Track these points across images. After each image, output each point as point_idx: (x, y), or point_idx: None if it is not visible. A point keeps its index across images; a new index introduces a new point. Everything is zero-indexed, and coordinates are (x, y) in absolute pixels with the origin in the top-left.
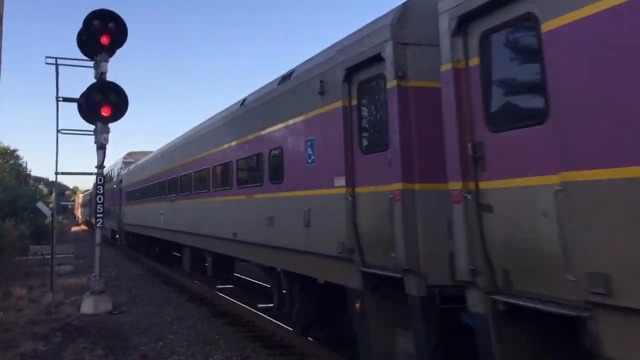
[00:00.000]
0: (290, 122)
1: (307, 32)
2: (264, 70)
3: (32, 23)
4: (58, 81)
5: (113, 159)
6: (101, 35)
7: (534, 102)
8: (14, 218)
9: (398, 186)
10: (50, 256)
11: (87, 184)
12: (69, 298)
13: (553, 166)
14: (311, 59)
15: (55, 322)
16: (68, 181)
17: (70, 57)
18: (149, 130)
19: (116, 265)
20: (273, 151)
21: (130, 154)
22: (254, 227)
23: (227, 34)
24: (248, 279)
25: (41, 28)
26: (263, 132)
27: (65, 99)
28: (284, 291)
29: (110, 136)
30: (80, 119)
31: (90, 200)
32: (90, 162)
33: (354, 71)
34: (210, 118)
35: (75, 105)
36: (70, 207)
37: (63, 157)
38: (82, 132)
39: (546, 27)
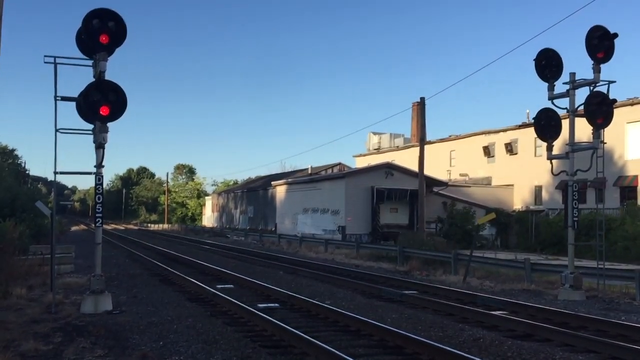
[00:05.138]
0: None
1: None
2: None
3: (31, 22)
4: (57, 80)
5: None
6: (100, 34)
7: None
8: (14, 218)
9: None
10: (50, 256)
11: (86, 183)
12: (69, 298)
13: None
14: None
15: (56, 321)
16: (67, 181)
17: (69, 57)
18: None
19: (116, 264)
20: None
21: None
22: None
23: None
24: (248, 278)
25: (41, 27)
26: None
27: (64, 98)
28: None
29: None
30: (79, 118)
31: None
32: (89, 162)
33: None
34: None
35: (73, 104)
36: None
37: (62, 156)
38: (81, 132)
39: None
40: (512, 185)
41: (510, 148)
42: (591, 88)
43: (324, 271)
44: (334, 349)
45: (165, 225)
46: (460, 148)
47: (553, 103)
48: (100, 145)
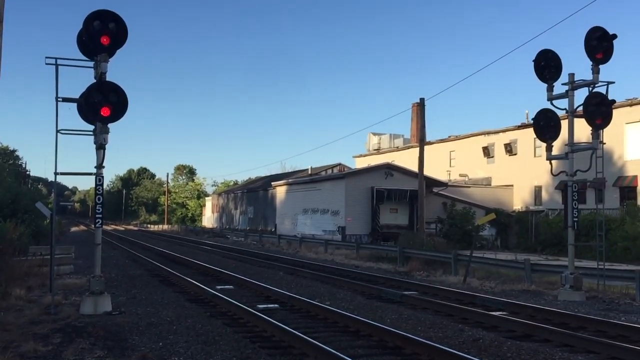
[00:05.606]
0: None
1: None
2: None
3: (31, 22)
4: (58, 81)
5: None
6: (101, 35)
7: None
8: (15, 219)
9: None
10: (49, 256)
11: (86, 184)
12: (68, 298)
13: None
14: None
15: (55, 322)
16: (67, 181)
17: (70, 58)
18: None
19: (116, 265)
20: None
21: None
22: None
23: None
24: (247, 279)
25: (41, 27)
26: None
27: (65, 99)
28: None
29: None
30: (79, 118)
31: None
32: (89, 163)
33: None
34: None
35: (74, 105)
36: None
37: (63, 157)
38: (82, 133)
39: None
40: (512, 185)
41: (509, 148)
42: (590, 89)
43: (323, 272)
44: (333, 349)
45: (165, 226)
46: (459, 148)
47: (552, 104)
48: (100, 146)
